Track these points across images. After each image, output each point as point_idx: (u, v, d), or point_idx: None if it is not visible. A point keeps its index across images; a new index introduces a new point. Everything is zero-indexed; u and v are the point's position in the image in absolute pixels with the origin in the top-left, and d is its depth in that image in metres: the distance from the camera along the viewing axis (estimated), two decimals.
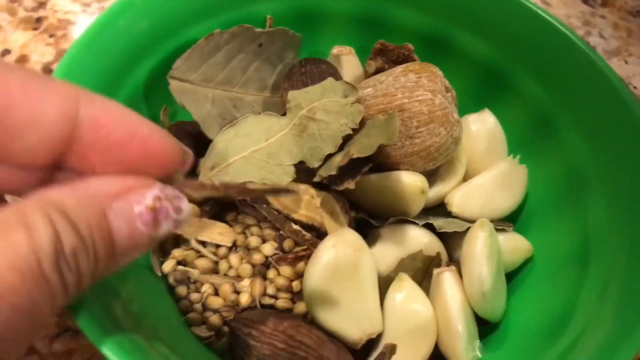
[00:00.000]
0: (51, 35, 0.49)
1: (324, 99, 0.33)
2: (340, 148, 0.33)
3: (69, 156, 0.18)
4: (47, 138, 0.17)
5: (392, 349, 0.27)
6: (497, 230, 0.33)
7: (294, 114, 0.33)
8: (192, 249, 0.32)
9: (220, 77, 0.36)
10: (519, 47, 0.36)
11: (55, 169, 0.20)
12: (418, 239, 0.32)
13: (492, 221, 0.33)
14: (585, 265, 0.30)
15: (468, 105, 0.37)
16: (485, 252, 0.30)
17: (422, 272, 0.32)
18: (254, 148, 0.33)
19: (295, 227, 0.33)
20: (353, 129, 0.32)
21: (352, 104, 0.33)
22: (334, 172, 0.31)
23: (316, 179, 0.32)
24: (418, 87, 0.33)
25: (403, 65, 0.35)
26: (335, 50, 0.39)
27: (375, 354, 0.29)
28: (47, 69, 0.47)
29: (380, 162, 0.35)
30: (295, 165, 0.33)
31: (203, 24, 0.35)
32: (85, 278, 0.17)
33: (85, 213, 0.17)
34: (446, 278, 0.31)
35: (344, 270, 0.29)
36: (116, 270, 0.19)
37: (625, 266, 0.26)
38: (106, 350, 0.20)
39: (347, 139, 0.33)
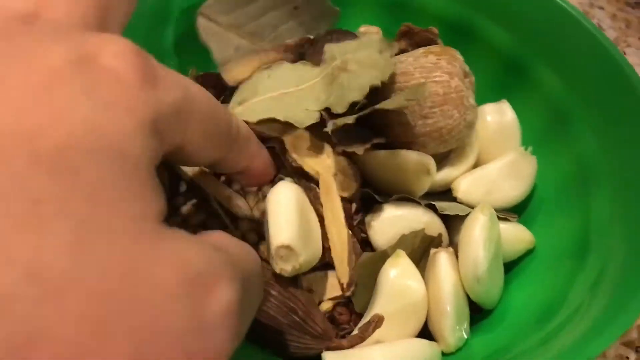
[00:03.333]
0: None
1: (358, 52, 0.33)
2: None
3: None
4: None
5: (379, 320, 0.28)
6: (500, 219, 0.33)
7: (328, 64, 0.34)
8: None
9: (250, 27, 0.36)
10: (540, 38, 0.36)
11: None
12: (419, 218, 0.32)
13: (497, 210, 0.33)
14: (583, 257, 0.29)
15: (487, 94, 0.37)
16: (484, 235, 0.30)
17: (421, 251, 0.32)
18: (283, 90, 0.33)
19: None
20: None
21: (385, 58, 0.33)
22: (347, 122, 0.31)
23: (327, 129, 0.32)
24: (436, 68, 0.33)
25: (425, 47, 0.35)
26: (362, 29, 0.40)
27: (365, 320, 0.29)
28: None
29: (392, 139, 0.35)
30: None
31: None
32: None
33: None
34: (442, 258, 0.31)
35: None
36: None
37: (622, 256, 0.26)
38: None
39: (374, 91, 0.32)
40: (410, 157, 0.33)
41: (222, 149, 0.22)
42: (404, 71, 0.34)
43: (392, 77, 0.34)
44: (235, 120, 0.23)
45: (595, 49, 0.32)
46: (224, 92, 0.36)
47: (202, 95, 0.19)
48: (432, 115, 0.33)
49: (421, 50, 0.35)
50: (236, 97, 0.34)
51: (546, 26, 0.35)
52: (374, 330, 0.28)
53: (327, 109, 0.32)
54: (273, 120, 0.32)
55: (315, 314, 0.28)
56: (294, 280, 0.30)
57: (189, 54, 0.37)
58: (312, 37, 0.37)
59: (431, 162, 0.33)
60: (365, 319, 0.30)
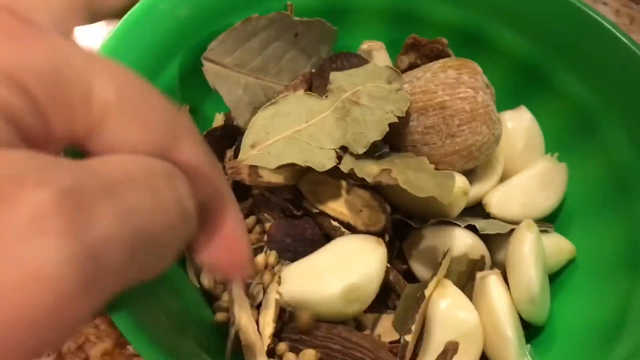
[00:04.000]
0: None
1: (367, 83, 0.32)
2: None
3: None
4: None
5: (454, 347, 0.26)
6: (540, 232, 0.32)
7: (336, 96, 0.32)
8: None
9: (254, 63, 0.34)
10: (558, 41, 0.35)
11: None
12: (462, 241, 0.31)
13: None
14: (635, 271, 0.29)
15: (503, 101, 0.36)
16: (533, 255, 0.29)
17: (466, 275, 0.31)
18: (295, 128, 0.31)
19: (334, 223, 0.32)
20: (398, 117, 0.31)
21: (397, 90, 0.32)
22: (369, 180, 0.29)
23: (343, 168, 0.30)
24: (459, 84, 0.32)
25: (441, 61, 0.34)
26: (365, 45, 0.38)
27: (428, 356, 0.28)
28: None
29: None
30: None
31: (241, 14, 0.34)
32: None
33: None
34: (491, 282, 0.30)
35: None
36: None
37: None
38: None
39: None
40: None
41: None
42: (425, 89, 0.33)
43: (412, 95, 0.33)
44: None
45: (620, 52, 0.31)
46: (235, 138, 0.34)
47: None
48: (460, 133, 0.32)
49: (437, 64, 0.34)
50: (247, 140, 0.32)
51: (562, 27, 0.34)
52: (451, 358, 0.27)
53: (342, 147, 0.31)
54: (292, 166, 0.30)
55: (384, 356, 0.27)
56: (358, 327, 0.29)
57: (195, 89, 0.34)
58: (313, 70, 0.36)
59: (466, 182, 0.32)
60: (427, 353, 0.29)
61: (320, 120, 0.32)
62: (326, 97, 0.32)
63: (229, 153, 0.35)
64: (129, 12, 0.29)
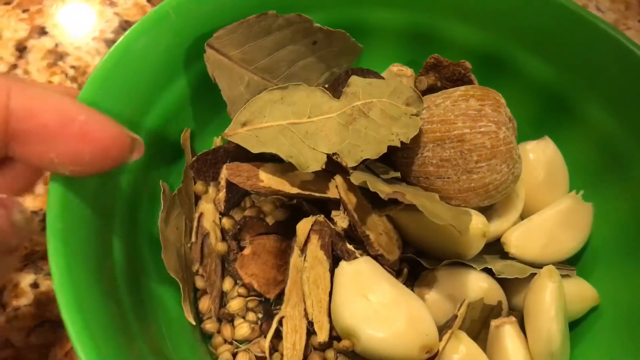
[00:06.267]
0: (24, 11, 0.46)
1: (384, 97, 0.30)
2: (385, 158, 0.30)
3: (10, 147, 0.19)
4: None
5: None
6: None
7: (349, 101, 0.30)
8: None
9: (263, 62, 0.32)
10: (586, 69, 0.32)
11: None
12: (477, 285, 0.29)
13: (554, 264, 0.30)
14: None
15: (526, 131, 0.34)
16: (555, 306, 0.27)
17: (480, 323, 0.30)
18: (294, 120, 0.29)
19: (349, 246, 0.30)
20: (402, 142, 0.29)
21: (412, 115, 0.30)
22: (382, 196, 0.27)
23: (354, 180, 0.28)
24: (481, 116, 0.30)
25: (462, 88, 0.32)
26: (395, 68, 0.36)
27: None
28: (20, 46, 0.45)
29: None
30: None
31: None
32: None
33: None
34: (507, 332, 0.28)
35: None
36: None
37: None
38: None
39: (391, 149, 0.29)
40: None
41: None
42: (444, 119, 0.31)
43: (430, 123, 0.31)
44: None
45: None
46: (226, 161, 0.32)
47: None
48: (477, 170, 0.30)
49: (458, 92, 0.32)
50: (240, 117, 0.30)
51: (591, 54, 0.32)
52: None
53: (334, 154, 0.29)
54: (273, 157, 0.29)
55: None
56: None
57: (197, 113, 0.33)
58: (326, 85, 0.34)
59: (486, 223, 0.30)
60: None
61: (323, 120, 0.30)
62: (338, 99, 0.30)
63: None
64: (113, 47, 0.27)
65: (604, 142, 0.32)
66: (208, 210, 0.32)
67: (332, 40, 0.34)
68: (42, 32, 0.45)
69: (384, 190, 0.28)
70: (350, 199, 0.31)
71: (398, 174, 0.31)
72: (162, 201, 0.30)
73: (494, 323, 0.29)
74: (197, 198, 0.33)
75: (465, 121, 0.30)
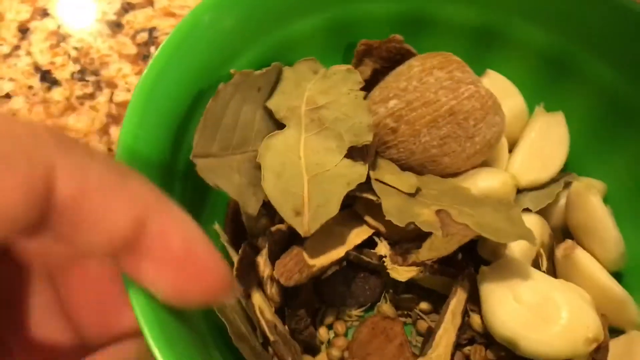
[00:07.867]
0: None
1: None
2: None
3: (126, 259, 0.17)
4: (108, 240, 0.16)
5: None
6: (567, 183, 0.33)
7: (296, 117, 0.29)
8: None
9: (235, 139, 0.29)
10: (590, 34, 0.32)
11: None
12: (535, 226, 0.30)
13: (557, 175, 0.33)
14: None
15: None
16: (607, 214, 0.30)
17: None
18: (315, 172, 0.28)
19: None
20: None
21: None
22: (423, 228, 0.27)
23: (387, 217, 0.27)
24: (457, 83, 0.30)
25: (415, 64, 0.32)
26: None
27: None
28: (23, 27, 0.46)
29: (441, 172, 0.32)
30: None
31: (301, 22, 0.32)
32: None
33: None
34: (580, 256, 0.30)
35: None
36: None
37: None
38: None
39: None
40: (492, 182, 0.31)
41: None
42: (425, 100, 0.30)
43: (413, 110, 0.30)
44: None
45: None
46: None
47: None
48: (478, 132, 0.31)
49: (415, 69, 0.31)
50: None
51: (593, 17, 0.31)
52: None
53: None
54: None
55: None
56: None
57: None
58: None
59: (513, 176, 0.32)
60: None
61: (305, 147, 0.28)
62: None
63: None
64: (171, 33, 0.27)
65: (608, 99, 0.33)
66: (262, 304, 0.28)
67: (270, 77, 0.31)
68: (45, 13, 0.46)
69: (425, 219, 0.27)
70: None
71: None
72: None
73: (559, 253, 0.30)
74: None
75: (446, 94, 0.30)
